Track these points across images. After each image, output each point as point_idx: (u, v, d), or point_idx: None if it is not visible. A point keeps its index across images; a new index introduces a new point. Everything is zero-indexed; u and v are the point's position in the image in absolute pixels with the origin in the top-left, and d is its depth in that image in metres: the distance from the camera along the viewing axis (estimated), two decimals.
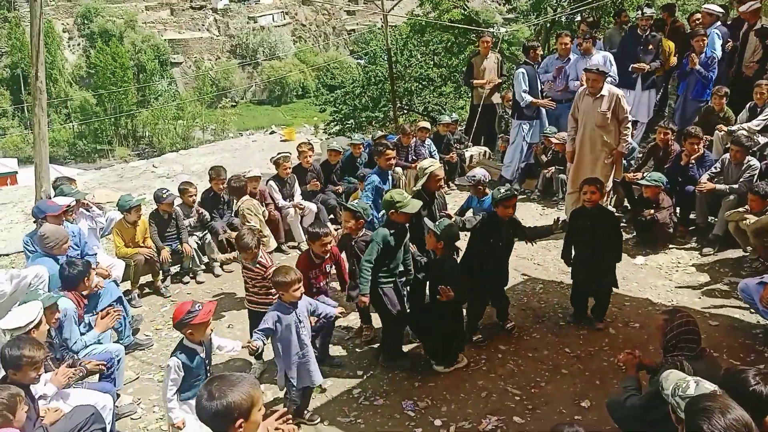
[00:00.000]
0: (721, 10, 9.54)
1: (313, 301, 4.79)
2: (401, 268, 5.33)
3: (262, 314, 4.64)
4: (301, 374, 4.54)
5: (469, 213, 6.91)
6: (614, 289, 5.96)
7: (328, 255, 5.35)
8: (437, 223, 5.23)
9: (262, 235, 6.39)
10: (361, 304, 5.17)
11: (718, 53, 8.98)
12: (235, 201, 7.12)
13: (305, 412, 4.76)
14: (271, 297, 5.10)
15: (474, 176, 6.39)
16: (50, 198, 6.42)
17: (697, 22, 9.63)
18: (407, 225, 5.31)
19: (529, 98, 9.07)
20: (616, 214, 8.06)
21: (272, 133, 29.99)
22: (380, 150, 6.76)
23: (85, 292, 5.10)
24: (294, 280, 4.38)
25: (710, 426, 2.36)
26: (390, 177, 6.85)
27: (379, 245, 5.04)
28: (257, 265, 5.29)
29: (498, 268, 5.68)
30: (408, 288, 5.52)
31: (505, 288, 5.92)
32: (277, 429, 2.86)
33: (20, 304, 4.42)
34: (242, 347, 4.55)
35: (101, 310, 5.27)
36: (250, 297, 5.43)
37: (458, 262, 5.55)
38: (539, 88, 9.20)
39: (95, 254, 6.30)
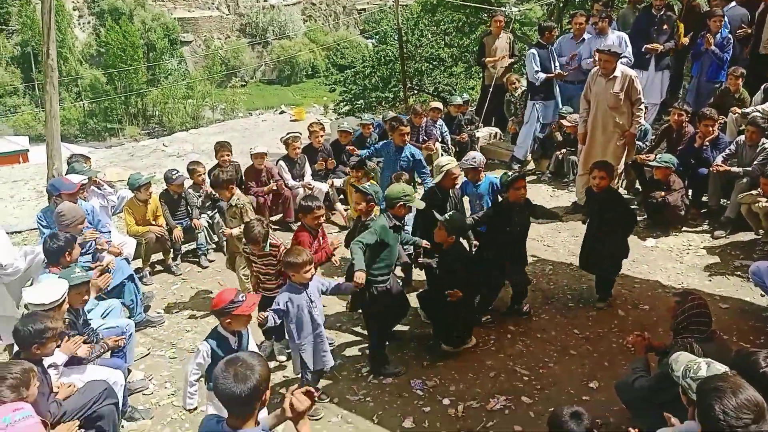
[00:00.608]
0: None
1: (325, 281, 4.75)
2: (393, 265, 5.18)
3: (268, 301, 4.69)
4: (316, 356, 4.51)
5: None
6: (624, 272, 5.97)
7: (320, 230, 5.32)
8: (446, 215, 5.18)
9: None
10: (356, 285, 4.67)
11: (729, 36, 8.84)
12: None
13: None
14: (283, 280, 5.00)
15: (474, 158, 6.33)
16: (62, 176, 6.43)
17: (716, 1, 9.45)
18: (403, 222, 5.21)
19: (542, 75, 8.99)
20: (627, 195, 8.05)
21: (282, 113, 29.91)
22: (394, 125, 6.79)
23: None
24: (305, 262, 4.33)
25: (722, 406, 2.36)
26: (405, 152, 6.87)
27: (376, 235, 4.85)
28: (270, 248, 5.11)
29: (516, 252, 5.66)
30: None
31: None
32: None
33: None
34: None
35: (114, 288, 5.34)
36: (265, 283, 5.21)
37: (471, 252, 5.51)
38: (552, 69, 9.09)
39: (109, 232, 6.33)
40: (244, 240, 5.24)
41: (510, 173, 5.56)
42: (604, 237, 5.68)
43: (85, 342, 4.48)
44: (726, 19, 8.78)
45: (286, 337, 4.75)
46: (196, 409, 4.07)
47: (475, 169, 6.27)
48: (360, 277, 4.62)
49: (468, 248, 5.87)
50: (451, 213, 5.29)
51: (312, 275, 4.44)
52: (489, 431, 4.44)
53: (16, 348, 4.13)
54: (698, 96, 9.01)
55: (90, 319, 4.86)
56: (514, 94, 9.99)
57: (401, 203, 5.02)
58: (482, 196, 6.28)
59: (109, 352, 4.72)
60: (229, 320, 3.89)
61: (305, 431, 2.73)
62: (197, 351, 3.96)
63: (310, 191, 7.93)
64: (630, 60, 8.44)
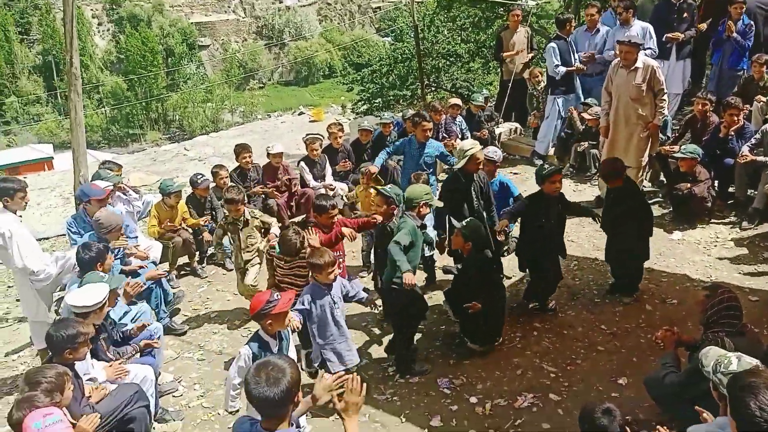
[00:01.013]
0: None
1: (347, 283, 4.76)
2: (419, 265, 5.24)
3: None
4: (338, 356, 4.53)
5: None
6: (651, 266, 5.93)
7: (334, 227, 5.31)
8: (464, 222, 5.14)
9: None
10: (408, 285, 4.65)
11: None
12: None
13: None
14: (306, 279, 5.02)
15: (496, 152, 6.29)
16: (91, 182, 6.53)
17: None
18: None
19: (562, 69, 8.90)
20: (651, 188, 7.95)
21: (300, 113, 30.06)
22: (417, 120, 6.81)
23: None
24: (328, 263, 4.34)
25: (757, 402, 2.33)
26: (427, 150, 6.87)
27: (410, 236, 4.86)
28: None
29: (549, 246, 5.64)
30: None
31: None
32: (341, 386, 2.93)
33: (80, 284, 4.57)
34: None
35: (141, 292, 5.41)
36: (289, 283, 5.11)
37: (489, 259, 5.44)
38: (572, 62, 9.02)
39: (136, 237, 6.43)
40: (273, 249, 5.29)
41: (547, 166, 5.54)
42: (618, 232, 5.71)
43: (115, 344, 4.59)
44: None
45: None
46: (238, 411, 4.08)
47: (493, 163, 6.24)
48: (410, 278, 4.64)
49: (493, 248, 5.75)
50: (468, 220, 5.24)
51: (335, 276, 4.45)
52: (517, 429, 4.42)
53: (49, 352, 4.22)
54: (720, 84, 8.86)
55: (122, 323, 4.94)
56: (537, 87, 9.92)
57: (423, 203, 5.03)
58: (497, 192, 6.24)
59: (139, 353, 4.80)
60: (269, 321, 3.88)
61: (351, 425, 2.77)
62: (239, 355, 3.95)
63: (332, 191, 7.95)
64: (654, 51, 8.32)
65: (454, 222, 5.29)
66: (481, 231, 5.20)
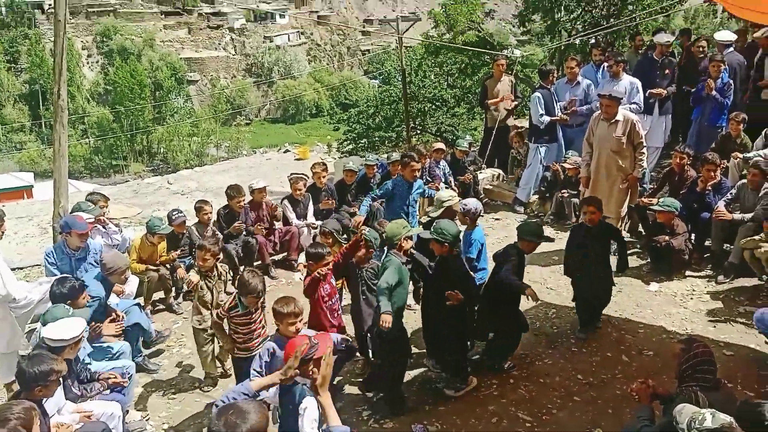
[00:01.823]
0: (734, 37, 9.53)
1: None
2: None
3: (247, 361, 4.54)
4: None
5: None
6: (628, 317, 5.99)
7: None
8: (433, 226, 5.12)
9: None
10: (385, 326, 4.62)
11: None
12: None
13: None
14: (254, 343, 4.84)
15: (465, 205, 6.01)
16: (77, 215, 6.47)
17: (701, 49, 9.62)
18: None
19: (547, 118, 9.11)
20: (630, 239, 8.06)
21: (286, 151, 30.23)
22: (406, 161, 6.88)
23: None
24: (291, 313, 4.08)
25: None
26: (414, 187, 6.93)
27: (397, 274, 4.84)
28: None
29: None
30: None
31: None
32: None
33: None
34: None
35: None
36: (245, 343, 4.86)
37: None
38: (556, 112, 9.23)
39: None
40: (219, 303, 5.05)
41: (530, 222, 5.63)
42: (602, 267, 5.98)
43: (80, 381, 4.50)
44: (726, 64, 8.92)
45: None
46: None
47: (470, 214, 6.02)
48: (387, 320, 4.59)
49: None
50: (435, 224, 5.17)
51: (298, 330, 4.11)
52: None
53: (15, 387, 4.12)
54: (699, 140, 9.09)
55: (88, 363, 4.83)
56: (519, 150, 10.05)
57: (404, 238, 5.06)
58: (471, 244, 5.94)
59: (108, 389, 4.70)
60: (312, 367, 3.47)
61: (327, 400, 2.77)
62: (305, 408, 3.51)
63: (314, 230, 7.95)
64: (640, 107, 8.54)
65: (426, 235, 5.29)
66: (455, 230, 5.12)
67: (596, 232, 5.95)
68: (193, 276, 5.46)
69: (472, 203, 6.12)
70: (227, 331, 4.86)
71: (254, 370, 4.12)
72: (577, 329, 6.14)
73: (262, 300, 4.78)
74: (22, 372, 3.81)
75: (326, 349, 3.49)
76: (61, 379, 4.05)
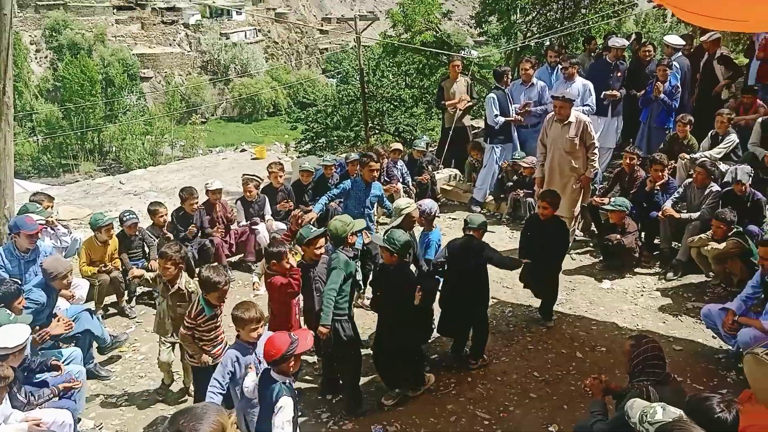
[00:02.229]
0: (683, 42, 9.83)
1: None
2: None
3: (205, 370, 4.50)
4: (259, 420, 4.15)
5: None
6: (582, 314, 6.12)
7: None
8: (386, 235, 5.12)
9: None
10: (322, 336, 4.77)
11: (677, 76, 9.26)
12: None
13: None
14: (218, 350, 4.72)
15: (420, 206, 6.02)
16: (27, 216, 6.25)
17: (647, 53, 9.89)
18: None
19: (501, 119, 9.24)
20: (583, 237, 8.24)
21: (243, 150, 29.73)
22: (365, 161, 6.84)
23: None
24: (252, 319, 4.06)
25: None
26: (372, 190, 6.87)
27: (343, 272, 4.89)
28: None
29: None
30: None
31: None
32: None
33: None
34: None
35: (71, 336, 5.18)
36: (202, 348, 4.67)
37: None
38: (511, 112, 9.36)
39: None
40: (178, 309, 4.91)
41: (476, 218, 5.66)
42: (548, 259, 6.15)
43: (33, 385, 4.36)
44: (677, 66, 9.18)
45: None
46: None
47: (427, 216, 6.07)
48: (323, 331, 4.71)
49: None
50: (388, 232, 5.19)
51: (259, 335, 4.12)
52: None
53: None
54: (648, 141, 9.35)
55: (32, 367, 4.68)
56: (477, 159, 10.14)
57: (350, 234, 5.11)
58: (429, 245, 6.01)
59: (57, 396, 4.56)
60: (293, 363, 3.63)
61: None
62: (281, 408, 3.54)
63: (274, 232, 7.85)
64: (592, 109, 8.73)
65: (376, 238, 5.46)
66: (407, 241, 5.09)
67: (544, 227, 6.11)
68: (136, 271, 5.62)
69: (428, 204, 6.15)
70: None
71: (216, 379, 4.04)
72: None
73: (225, 298, 4.62)
74: None
75: (309, 344, 3.59)
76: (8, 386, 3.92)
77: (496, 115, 9.24)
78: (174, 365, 5.45)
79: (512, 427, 4.86)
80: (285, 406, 3.53)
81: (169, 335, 5.21)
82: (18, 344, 4.10)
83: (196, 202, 7.56)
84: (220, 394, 4.03)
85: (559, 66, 9.67)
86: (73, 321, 5.41)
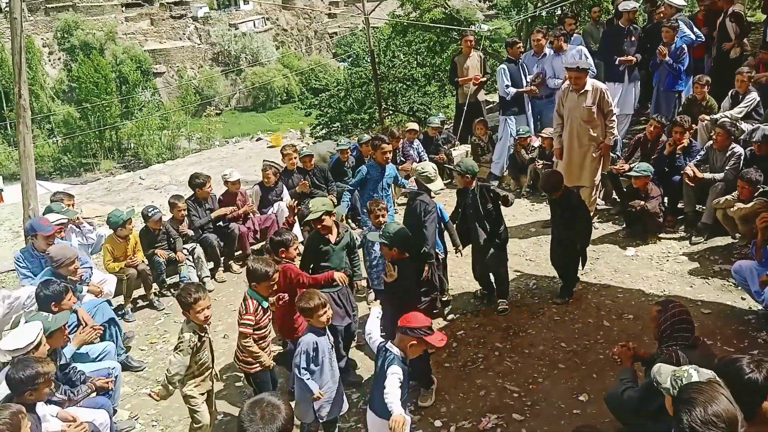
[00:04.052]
0: (684, 3, 9.58)
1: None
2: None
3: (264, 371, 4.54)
4: (333, 405, 4.31)
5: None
6: (607, 282, 6.12)
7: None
8: (382, 229, 5.04)
9: None
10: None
11: (692, 37, 9.05)
12: None
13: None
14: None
15: (423, 168, 5.95)
16: (42, 217, 6.37)
17: (662, 15, 9.68)
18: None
19: (513, 90, 9.17)
20: (605, 206, 8.16)
21: (258, 139, 29.91)
22: (376, 144, 6.81)
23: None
24: (317, 306, 4.14)
25: (690, 418, 2.32)
26: (387, 171, 6.84)
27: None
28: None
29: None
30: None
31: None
32: None
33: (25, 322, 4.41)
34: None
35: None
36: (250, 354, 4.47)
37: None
38: (523, 83, 9.26)
39: (91, 268, 6.26)
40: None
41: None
42: (560, 236, 6.15)
43: (71, 385, 4.43)
44: (684, 26, 8.97)
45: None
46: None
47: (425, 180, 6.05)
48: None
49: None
50: (384, 226, 5.14)
51: (328, 318, 4.23)
52: None
53: (1, 394, 4.06)
54: (658, 105, 9.22)
55: (71, 364, 4.77)
56: (482, 138, 10.05)
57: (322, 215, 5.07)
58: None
59: (95, 392, 4.65)
60: (413, 343, 3.64)
61: None
62: (392, 374, 3.57)
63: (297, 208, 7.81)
64: (593, 72, 8.60)
65: (370, 237, 5.40)
66: (402, 236, 4.99)
67: (561, 201, 6.07)
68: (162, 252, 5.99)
69: (428, 167, 5.99)
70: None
71: (298, 365, 4.11)
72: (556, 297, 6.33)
73: (274, 288, 4.59)
74: (9, 379, 3.79)
75: (439, 342, 3.65)
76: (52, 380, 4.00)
77: (507, 86, 9.17)
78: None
79: (542, 398, 4.87)
80: (396, 373, 3.59)
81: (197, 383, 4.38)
82: (28, 343, 4.14)
83: (209, 187, 7.65)
84: (308, 378, 4.11)
85: (547, 42, 9.47)
86: (92, 315, 5.46)
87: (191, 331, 4.16)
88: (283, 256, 4.94)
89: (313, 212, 5.08)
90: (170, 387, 4.17)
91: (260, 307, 4.46)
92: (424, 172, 5.67)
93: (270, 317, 4.65)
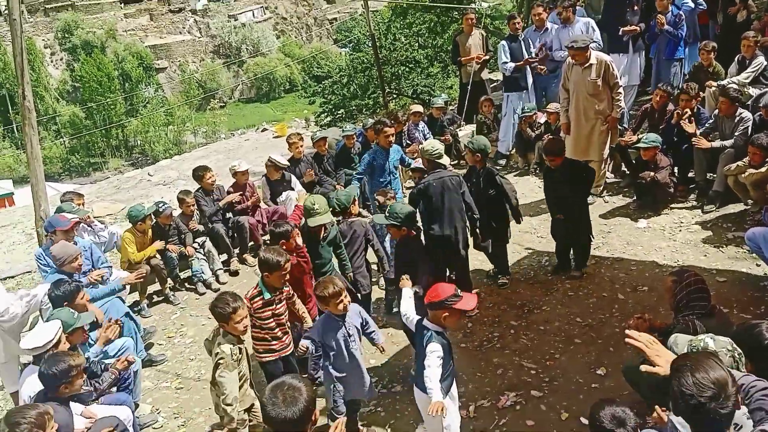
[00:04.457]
0: None
1: (366, 315, 4.50)
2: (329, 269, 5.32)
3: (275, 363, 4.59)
4: (351, 388, 4.33)
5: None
6: (620, 255, 6.07)
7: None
8: (388, 210, 5.12)
9: None
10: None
11: (691, 4, 8.92)
12: None
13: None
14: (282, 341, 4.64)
15: (419, 164, 6.18)
16: (59, 214, 6.42)
17: None
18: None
19: (511, 65, 9.15)
20: (614, 179, 8.11)
21: (264, 130, 29.86)
22: (379, 128, 6.82)
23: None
24: (333, 294, 4.09)
25: (679, 385, 2.35)
26: (392, 154, 6.85)
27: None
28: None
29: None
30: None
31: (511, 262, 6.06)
32: None
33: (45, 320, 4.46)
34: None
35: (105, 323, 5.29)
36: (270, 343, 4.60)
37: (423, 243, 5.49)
38: (524, 59, 9.19)
39: (110, 266, 6.31)
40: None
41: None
42: (573, 203, 6.06)
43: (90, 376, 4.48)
44: None
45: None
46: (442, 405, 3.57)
47: (420, 171, 6.13)
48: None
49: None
50: (389, 207, 5.23)
51: (345, 306, 4.18)
52: (502, 429, 4.44)
53: (26, 394, 4.12)
54: (659, 75, 9.12)
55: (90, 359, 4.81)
56: (488, 115, 9.99)
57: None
58: None
59: (115, 387, 4.70)
60: (446, 314, 3.63)
61: None
62: (432, 351, 3.61)
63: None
64: (599, 45, 8.49)
65: (377, 219, 5.46)
66: (410, 214, 5.12)
67: (561, 172, 6.01)
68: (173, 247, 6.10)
69: (435, 144, 5.99)
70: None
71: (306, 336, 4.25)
72: (563, 274, 6.29)
73: (287, 277, 4.55)
74: (43, 375, 3.84)
75: (468, 306, 3.63)
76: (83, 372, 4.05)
77: (505, 62, 9.13)
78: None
79: (560, 374, 4.88)
80: (435, 351, 3.61)
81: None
82: (48, 341, 4.18)
83: (212, 176, 7.70)
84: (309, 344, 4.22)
85: (554, 12, 9.37)
86: (105, 312, 5.50)
87: (230, 343, 3.97)
88: (284, 247, 4.92)
89: (317, 219, 5.07)
90: (232, 411, 3.91)
91: (261, 296, 4.46)
92: (435, 151, 5.64)
93: (277, 311, 4.54)
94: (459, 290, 3.67)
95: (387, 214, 5.06)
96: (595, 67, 7.04)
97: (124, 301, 6.12)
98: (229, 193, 7.82)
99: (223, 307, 3.92)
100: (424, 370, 3.57)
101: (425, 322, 3.76)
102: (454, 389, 3.94)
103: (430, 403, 3.41)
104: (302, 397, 2.55)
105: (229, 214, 7.75)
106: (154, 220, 7.14)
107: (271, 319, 4.53)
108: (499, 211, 6.02)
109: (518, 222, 6.20)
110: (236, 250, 7.78)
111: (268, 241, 8.04)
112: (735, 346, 3.04)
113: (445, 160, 5.70)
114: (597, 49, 7.86)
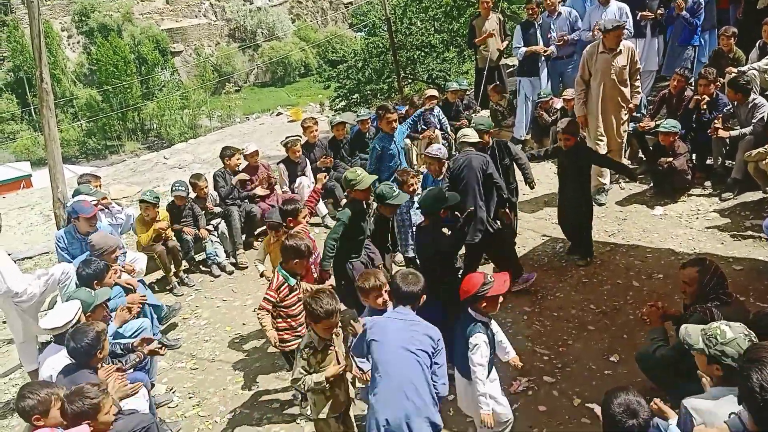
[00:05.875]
0: None
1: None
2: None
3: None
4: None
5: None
6: (636, 242, 6.03)
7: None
8: (422, 200, 5.08)
9: None
10: (325, 277, 5.10)
11: None
12: None
13: None
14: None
15: (439, 149, 6.12)
16: (67, 198, 6.49)
17: None
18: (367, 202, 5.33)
19: (523, 50, 9.07)
20: (632, 165, 8.02)
21: (278, 114, 29.84)
22: (380, 114, 6.84)
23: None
24: (373, 287, 3.93)
25: (760, 377, 2.32)
26: (396, 140, 6.86)
27: (345, 224, 5.04)
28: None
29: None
30: None
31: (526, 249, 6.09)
32: None
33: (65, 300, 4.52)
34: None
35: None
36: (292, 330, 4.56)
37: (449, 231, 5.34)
38: (539, 44, 9.11)
39: (125, 251, 6.37)
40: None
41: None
42: (567, 192, 6.15)
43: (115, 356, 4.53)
44: None
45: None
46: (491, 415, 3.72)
47: (439, 161, 6.08)
48: (326, 277, 4.88)
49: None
50: (420, 198, 5.23)
51: (385, 301, 3.95)
52: (514, 414, 4.44)
53: (46, 373, 4.18)
54: (671, 60, 8.98)
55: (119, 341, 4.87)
56: (500, 103, 9.91)
57: (350, 189, 5.23)
58: None
59: (132, 368, 4.75)
60: (484, 304, 3.67)
61: None
62: (475, 345, 3.61)
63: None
64: (631, 32, 8.36)
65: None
66: (435, 200, 5.04)
67: (570, 153, 6.05)
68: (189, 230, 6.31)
69: (436, 148, 6.20)
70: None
71: (355, 354, 3.83)
72: (575, 258, 6.28)
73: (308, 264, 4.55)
74: (74, 350, 3.90)
75: (503, 288, 3.66)
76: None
77: (517, 47, 9.11)
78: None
79: (572, 360, 4.87)
80: (479, 344, 3.63)
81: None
82: (67, 321, 4.23)
83: (238, 158, 7.78)
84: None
85: None
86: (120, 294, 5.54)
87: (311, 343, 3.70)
88: (292, 225, 5.01)
89: (363, 181, 5.15)
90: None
91: (286, 284, 4.45)
92: (466, 136, 5.81)
93: (301, 295, 4.50)
94: (489, 276, 3.69)
95: (422, 203, 5.04)
96: (624, 53, 6.92)
97: (144, 284, 6.17)
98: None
99: (317, 308, 3.59)
100: (472, 368, 3.65)
101: (470, 311, 3.73)
102: (494, 372, 3.95)
103: (481, 412, 3.67)
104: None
105: (246, 198, 7.77)
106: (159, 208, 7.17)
107: (297, 305, 4.51)
108: (510, 185, 6.11)
109: (531, 187, 6.29)
110: (243, 236, 7.78)
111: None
112: (749, 330, 3.01)
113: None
114: (627, 37, 7.73)
